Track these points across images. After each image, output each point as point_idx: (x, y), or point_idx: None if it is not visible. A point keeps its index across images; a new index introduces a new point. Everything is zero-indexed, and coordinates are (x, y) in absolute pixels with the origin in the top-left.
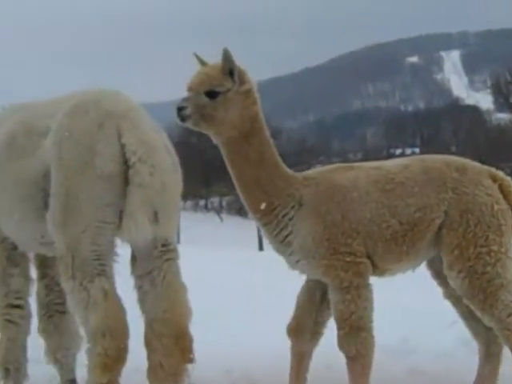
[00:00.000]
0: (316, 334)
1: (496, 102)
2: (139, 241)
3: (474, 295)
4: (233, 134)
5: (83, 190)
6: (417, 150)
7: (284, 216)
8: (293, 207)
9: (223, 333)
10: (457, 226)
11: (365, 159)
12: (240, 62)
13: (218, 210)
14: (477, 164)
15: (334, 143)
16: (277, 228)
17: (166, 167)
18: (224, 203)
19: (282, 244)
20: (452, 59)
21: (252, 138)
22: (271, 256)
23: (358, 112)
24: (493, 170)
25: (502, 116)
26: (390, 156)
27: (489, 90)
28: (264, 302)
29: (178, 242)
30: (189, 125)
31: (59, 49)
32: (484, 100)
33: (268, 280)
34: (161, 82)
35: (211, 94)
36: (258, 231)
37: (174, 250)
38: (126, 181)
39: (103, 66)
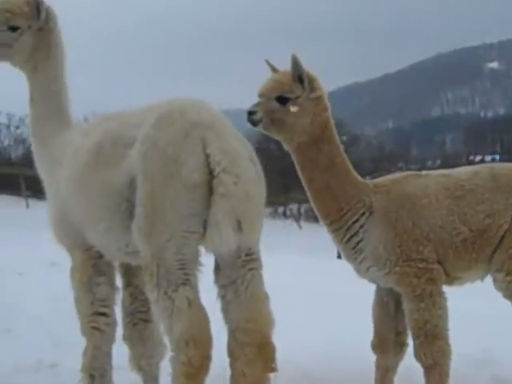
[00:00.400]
0: (400, 345)
1: None
2: (223, 250)
3: None
4: (303, 139)
5: (169, 200)
6: (497, 156)
7: (354, 222)
8: (363, 214)
9: (305, 342)
10: None
11: (443, 166)
12: (312, 68)
13: (297, 217)
14: None
15: (413, 150)
16: (347, 234)
17: (249, 177)
18: (302, 210)
19: (353, 251)
20: None
21: (322, 143)
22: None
23: (437, 118)
24: None
25: None
26: (470, 163)
27: None
28: (345, 311)
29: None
30: (259, 129)
31: (133, 59)
32: None
33: (347, 288)
34: (236, 88)
35: (281, 100)
36: None
37: (258, 260)
38: (210, 190)
39: (180, 73)
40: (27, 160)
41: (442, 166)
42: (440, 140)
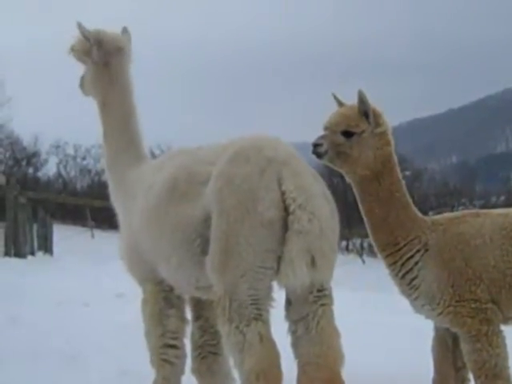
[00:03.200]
0: (462, 381)
1: None
2: (296, 286)
3: None
4: (365, 172)
5: (244, 236)
6: None
7: (409, 259)
8: (418, 251)
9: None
10: None
11: (508, 202)
12: (376, 103)
13: (360, 252)
14: None
15: (477, 185)
16: (402, 270)
17: (324, 214)
18: (365, 245)
19: (408, 287)
20: None
21: (383, 177)
22: None
23: (503, 154)
24: None
25: None
26: None
27: None
28: (407, 348)
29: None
30: (324, 161)
31: (195, 93)
32: None
33: (414, 324)
34: (296, 122)
35: (347, 134)
36: None
37: (329, 296)
38: (285, 227)
39: (242, 108)
40: (93, 191)
41: (506, 202)
42: (505, 176)
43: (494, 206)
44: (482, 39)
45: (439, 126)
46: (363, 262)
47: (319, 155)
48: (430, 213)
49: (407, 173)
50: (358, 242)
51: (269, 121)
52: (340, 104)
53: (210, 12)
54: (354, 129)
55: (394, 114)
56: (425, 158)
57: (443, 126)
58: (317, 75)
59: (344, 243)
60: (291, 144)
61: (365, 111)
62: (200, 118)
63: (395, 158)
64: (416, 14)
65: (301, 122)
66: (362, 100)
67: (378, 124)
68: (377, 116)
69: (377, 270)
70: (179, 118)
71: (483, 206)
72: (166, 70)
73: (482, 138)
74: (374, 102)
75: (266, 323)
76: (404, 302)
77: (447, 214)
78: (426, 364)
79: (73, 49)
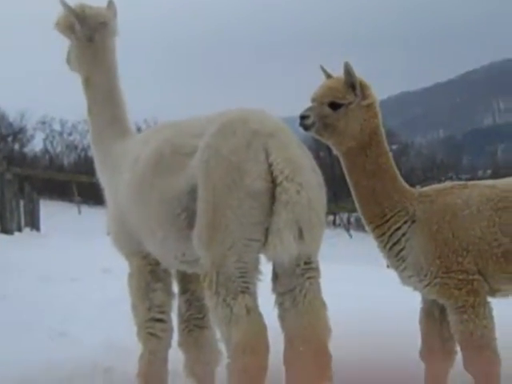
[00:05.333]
0: (449, 353)
1: None
2: (284, 259)
3: None
4: (352, 144)
5: (231, 208)
6: None
7: (397, 230)
8: (405, 222)
9: (352, 351)
10: None
11: (494, 176)
12: (364, 76)
13: (347, 226)
14: None
15: (464, 159)
16: (390, 241)
17: (312, 185)
18: (352, 219)
19: (395, 258)
20: None
21: (370, 149)
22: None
23: (489, 128)
24: None
25: None
26: None
27: None
28: (395, 319)
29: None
30: (311, 133)
31: (184, 69)
32: None
33: (397, 297)
34: (287, 95)
35: (334, 106)
36: None
37: (316, 269)
38: (272, 199)
39: (232, 83)
40: (79, 166)
41: (492, 176)
42: (491, 150)
43: (481, 180)
44: (468, 13)
45: (426, 100)
46: (350, 236)
47: (306, 127)
48: (417, 187)
49: (394, 147)
50: (345, 216)
51: (258, 95)
52: (328, 76)
53: None
54: (340, 100)
55: (382, 87)
56: (412, 132)
57: (430, 100)
58: (304, 50)
59: (331, 217)
60: (279, 118)
61: (351, 83)
62: (189, 92)
63: (382, 131)
64: None
65: (289, 97)
66: (348, 72)
67: (365, 96)
68: (364, 88)
69: (364, 244)
70: (167, 94)
71: (470, 180)
72: (158, 44)
73: (469, 112)
74: (361, 75)
75: (252, 296)
76: (391, 275)
77: (435, 186)
78: (413, 336)
79: (57, 24)
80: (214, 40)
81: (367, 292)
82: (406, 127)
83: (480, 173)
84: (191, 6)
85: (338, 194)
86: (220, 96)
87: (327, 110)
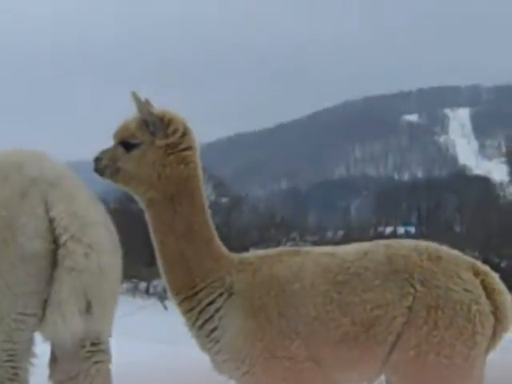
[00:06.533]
0: None
1: None
2: (66, 338)
3: None
4: (153, 195)
5: (1, 274)
6: (412, 228)
7: (209, 304)
8: (220, 295)
9: None
10: (421, 324)
11: (347, 238)
12: (188, 113)
13: (162, 296)
14: (456, 252)
15: (311, 217)
16: (200, 318)
17: (104, 247)
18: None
19: (208, 339)
20: (459, 119)
21: (180, 203)
22: None
23: (342, 180)
24: (475, 261)
25: None
26: (379, 235)
27: (503, 159)
28: None
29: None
30: (106, 178)
31: None
32: (497, 170)
33: None
34: (94, 135)
35: (126, 146)
36: None
37: (106, 352)
38: (53, 263)
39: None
40: None
41: (344, 239)
42: (344, 206)
43: (331, 243)
44: (327, 39)
45: (266, 143)
46: (165, 307)
47: (99, 171)
48: (252, 249)
49: (224, 200)
50: (160, 283)
51: (48, 134)
52: (142, 107)
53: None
54: (130, 139)
55: (211, 127)
56: (247, 182)
57: (271, 144)
58: (110, 80)
59: (144, 285)
60: (68, 163)
61: (143, 119)
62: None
63: (199, 182)
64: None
65: (97, 135)
66: (137, 105)
67: (165, 135)
68: (167, 124)
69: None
70: None
71: (317, 243)
72: None
73: (318, 160)
74: (185, 112)
75: None
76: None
77: (260, 252)
78: None
79: None
80: None
81: None
82: (239, 176)
83: (330, 234)
84: None
85: (152, 257)
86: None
87: (120, 152)
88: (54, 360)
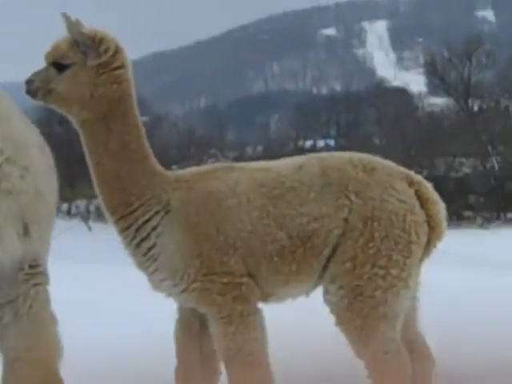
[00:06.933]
0: (211, 374)
1: (430, 84)
2: (5, 261)
3: (350, 320)
4: (87, 115)
5: None
6: (332, 141)
7: (146, 222)
8: (157, 213)
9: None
10: (357, 236)
11: (267, 153)
12: (112, 31)
13: (85, 217)
14: (389, 163)
15: (230, 134)
16: (137, 236)
17: (41, 169)
18: (92, 208)
19: (145, 258)
20: (377, 31)
21: (114, 123)
22: None
23: (260, 95)
24: (409, 172)
25: (437, 101)
26: (299, 150)
27: (421, 70)
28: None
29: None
30: (38, 100)
31: None
32: (415, 81)
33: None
34: (17, 56)
35: (58, 67)
36: None
37: (44, 273)
38: None
39: None
40: None
41: (264, 154)
42: (263, 122)
43: (251, 158)
44: None
45: (185, 61)
46: (89, 228)
47: (31, 93)
48: (174, 167)
49: (145, 118)
50: (83, 204)
51: None
52: (72, 27)
53: None
54: (62, 60)
55: (132, 45)
56: (166, 100)
57: (190, 62)
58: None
59: (66, 206)
60: (5, 85)
61: (74, 39)
62: None
63: (132, 100)
64: None
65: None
66: (68, 25)
67: (97, 54)
68: (98, 43)
69: (106, 237)
70: None
71: (237, 159)
72: None
73: (236, 77)
74: (96, 28)
75: None
76: (142, 278)
77: (195, 169)
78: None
79: None
80: None
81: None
82: (159, 95)
83: (249, 149)
84: None
85: (75, 177)
86: None
87: (52, 73)
88: None
